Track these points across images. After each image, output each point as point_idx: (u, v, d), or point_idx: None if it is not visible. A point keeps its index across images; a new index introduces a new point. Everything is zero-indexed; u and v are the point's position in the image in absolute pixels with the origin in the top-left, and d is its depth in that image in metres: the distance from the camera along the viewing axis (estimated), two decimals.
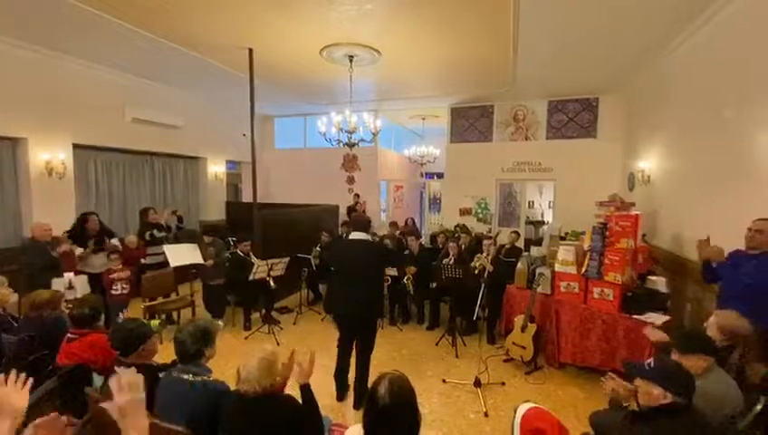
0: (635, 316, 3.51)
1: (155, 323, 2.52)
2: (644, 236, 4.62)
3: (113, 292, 4.54)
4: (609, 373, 2.10)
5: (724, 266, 2.95)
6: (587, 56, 5.32)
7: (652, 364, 1.78)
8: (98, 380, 2.24)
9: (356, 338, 3.36)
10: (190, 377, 1.86)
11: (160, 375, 2.04)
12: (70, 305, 2.84)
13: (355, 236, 3.38)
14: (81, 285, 4.40)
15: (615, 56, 5.29)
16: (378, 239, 6.11)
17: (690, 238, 4.19)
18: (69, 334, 2.36)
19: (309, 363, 1.97)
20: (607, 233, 3.81)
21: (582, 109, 7.56)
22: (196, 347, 1.98)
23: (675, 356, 2.05)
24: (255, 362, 1.83)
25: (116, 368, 2.09)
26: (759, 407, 1.93)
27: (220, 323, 4.87)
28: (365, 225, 3.50)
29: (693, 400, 1.63)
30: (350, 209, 8.93)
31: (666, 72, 5.09)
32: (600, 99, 7.38)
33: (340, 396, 3.38)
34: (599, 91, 7.19)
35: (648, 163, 5.57)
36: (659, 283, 3.84)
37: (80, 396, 2.04)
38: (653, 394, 1.67)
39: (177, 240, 5.55)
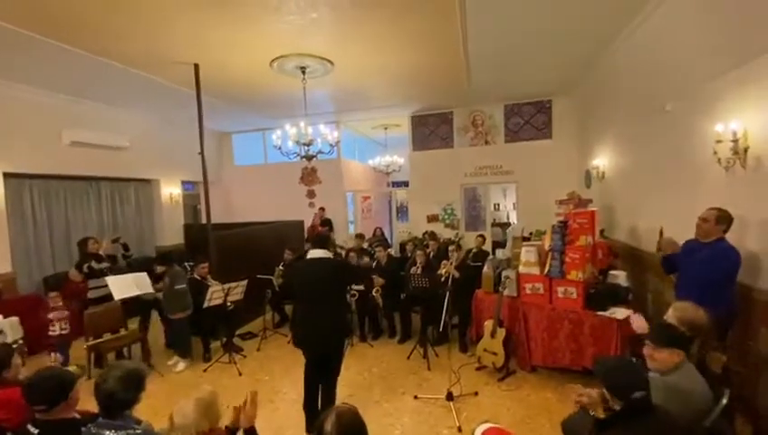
0: (599, 313, 3.51)
1: (75, 368, 2.23)
2: (602, 231, 4.70)
3: (51, 333, 4.12)
4: (574, 388, 1.98)
5: (679, 256, 2.99)
6: (535, 59, 5.44)
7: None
8: None
9: (322, 365, 3.15)
10: (112, 433, 1.61)
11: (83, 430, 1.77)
12: None
13: (313, 254, 3.17)
14: (13, 329, 3.95)
15: (562, 58, 5.44)
16: (343, 253, 5.94)
17: (646, 230, 4.30)
18: None
19: (251, 405, 1.77)
20: (566, 231, 3.82)
21: (537, 111, 7.76)
22: (131, 395, 1.74)
23: (648, 349, 1.98)
24: (191, 405, 1.68)
25: (29, 427, 1.84)
26: (725, 400, 1.90)
27: (181, 363, 4.47)
28: (323, 241, 3.27)
29: (633, 399, 1.56)
30: (323, 223, 8.71)
31: (610, 71, 5.28)
32: (554, 100, 7.60)
33: (309, 428, 3.11)
34: (551, 93, 7.41)
35: (602, 160, 5.73)
36: (620, 277, 3.88)
37: None
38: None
39: (130, 269, 5.09)
